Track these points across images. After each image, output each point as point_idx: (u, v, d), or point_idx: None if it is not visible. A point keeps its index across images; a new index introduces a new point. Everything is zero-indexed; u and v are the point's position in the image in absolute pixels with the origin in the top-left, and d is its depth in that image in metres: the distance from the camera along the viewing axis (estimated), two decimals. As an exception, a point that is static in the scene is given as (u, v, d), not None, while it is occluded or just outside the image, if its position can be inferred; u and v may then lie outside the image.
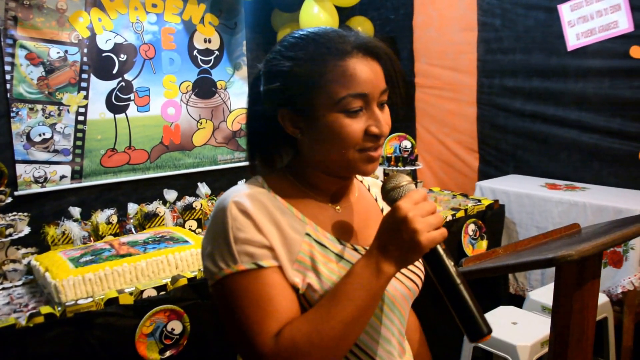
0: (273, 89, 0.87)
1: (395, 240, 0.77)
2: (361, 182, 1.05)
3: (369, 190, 1.05)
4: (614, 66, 2.73)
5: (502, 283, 2.88)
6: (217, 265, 0.81)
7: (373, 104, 0.85)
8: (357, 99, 0.83)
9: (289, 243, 0.83)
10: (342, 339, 0.77)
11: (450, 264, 0.78)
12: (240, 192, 0.85)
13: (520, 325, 2.16)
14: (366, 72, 0.83)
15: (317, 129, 0.85)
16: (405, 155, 3.13)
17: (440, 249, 0.79)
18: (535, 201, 2.78)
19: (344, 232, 0.90)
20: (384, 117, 0.87)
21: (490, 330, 0.77)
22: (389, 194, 0.83)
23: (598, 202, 2.53)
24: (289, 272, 0.82)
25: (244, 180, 2.08)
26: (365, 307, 0.78)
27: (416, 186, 3.10)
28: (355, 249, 0.89)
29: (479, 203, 2.82)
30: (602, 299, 2.36)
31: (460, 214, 2.66)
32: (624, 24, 2.63)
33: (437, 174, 3.80)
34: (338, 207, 0.93)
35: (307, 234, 0.86)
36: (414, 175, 3.43)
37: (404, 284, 0.93)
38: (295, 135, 0.88)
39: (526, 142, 3.23)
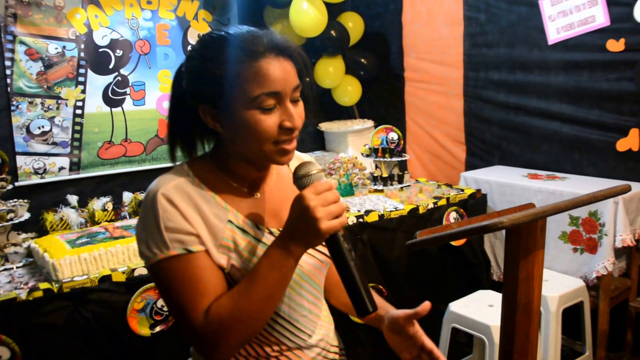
0: (194, 87, 0.93)
1: (300, 226, 0.86)
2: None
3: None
4: (592, 59, 2.81)
5: (484, 271, 2.97)
6: (152, 250, 0.89)
7: (286, 100, 0.91)
8: (270, 97, 0.89)
9: (214, 230, 0.92)
10: (259, 312, 0.89)
11: (346, 248, 0.87)
12: (168, 184, 0.92)
13: (496, 308, 2.24)
14: (278, 71, 0.89)
15: (235, 123, 0.91)
16: (392, 147, 3.22)
17: (339, 234, 0.88)
18: (515, 190, 2.87)
19: (261, 217, 1.00)
20: (297, 111, 0.93)
21: (375, 309, 0.86)
22: (299, 181, 0.91)
23: (575, 191, 2.61)
24: (215, 256, 0.92)
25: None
26: (277, 284, 0.89)
27: (403, 177, 3.21)
28: (271, 232, 0.99)
29: (461, 192, 2.92)
30: (578, 284, 2.44)
31: (442, 202, 2.75)
32: (600, 19, 2.72)
33: (426, 165, 3.89)
34: (257, 194, 1.02)
35: (230, 221, 0.95)
36: (402, 166, 3.51)
37: (315, 257, 1.04)
38: (216, 128, 0.94)
39: (510, 134, 3.31)
